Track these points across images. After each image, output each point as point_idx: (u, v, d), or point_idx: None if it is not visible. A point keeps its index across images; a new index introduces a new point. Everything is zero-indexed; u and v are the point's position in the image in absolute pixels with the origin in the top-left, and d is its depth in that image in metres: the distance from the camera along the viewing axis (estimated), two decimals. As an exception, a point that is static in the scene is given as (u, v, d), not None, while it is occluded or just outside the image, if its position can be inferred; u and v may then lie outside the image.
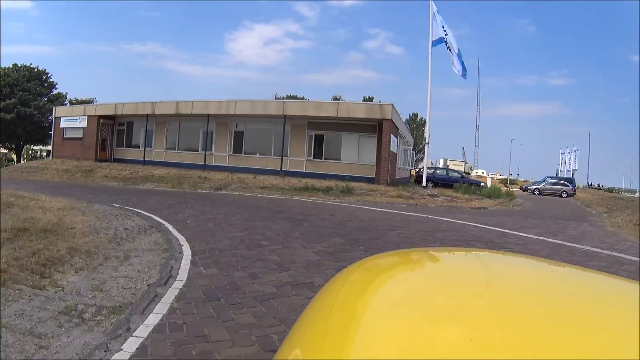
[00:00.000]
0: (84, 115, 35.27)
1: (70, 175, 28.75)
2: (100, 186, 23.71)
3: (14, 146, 55.23)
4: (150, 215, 12.28)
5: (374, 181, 25.92)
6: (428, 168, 38.01)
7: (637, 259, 9.89)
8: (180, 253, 7.72)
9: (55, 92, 55.25)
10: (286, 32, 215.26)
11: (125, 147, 35.55)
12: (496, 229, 13.38)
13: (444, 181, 35.55)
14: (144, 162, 31.86)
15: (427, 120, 30.28)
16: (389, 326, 0.92)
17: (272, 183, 23.81)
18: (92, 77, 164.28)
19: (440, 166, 71.60)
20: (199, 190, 22.05)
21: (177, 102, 31.04)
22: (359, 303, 1.13)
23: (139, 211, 12.96)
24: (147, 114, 32.00)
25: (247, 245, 8.50)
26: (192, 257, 7.42)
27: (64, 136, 36.86)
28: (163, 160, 32.36)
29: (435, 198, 23.09)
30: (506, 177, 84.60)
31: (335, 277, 1.35)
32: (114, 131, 35.89)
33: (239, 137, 30.71)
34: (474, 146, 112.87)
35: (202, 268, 6.72)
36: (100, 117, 34.56)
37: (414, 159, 51.08)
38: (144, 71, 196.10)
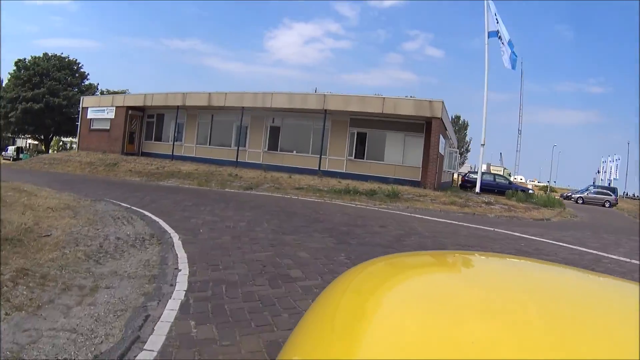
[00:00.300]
0: (112, 106, 33.84)
1: (92, 169, 27.53)
2: (120, 181, 22.21)
3: (42, 137, 54.27)
4: (158, 219, 10.48)
5: (419, 185, 23.75)
6: (473, 173, 35.60)
7: None
8: (171, 285, 5.45)
9: (86, 82, 54.37)
10: (327, 32, 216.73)
11: (155, 140, 34.01)
12: (581, 248, 11.28)
13: (491, 187, 33.08)
14: (172, 157, 30.15)
15: (484, 115, 27.36)
16: (393, 327, 0.94)
17: (308, 184, 21.67)
18: (130, 71, 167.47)
19: (483, 171, 68.52)
20: (226, 190, 20.17)
21: (210, 93, 29.24)
22: (363, 304, 1.14)
23: (146, 213, 11.26)
24: (178, 106, 30.40)
25: (270, 278, 6.01)
26: (185, 295, 5.10)
27: (91, 127, 35.67)
28: (193, 155, 30.68)
29: (492, 206, 20.74)
30: (545, 184, 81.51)
31: (339, 279, 1.36)
32: (143, 123, 34.40)
33: (274, 133, 28.72)
34: (514, 151, 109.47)
35: (193, 323, 4.32)
36: (128, 108, 33.09)
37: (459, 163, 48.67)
38: (184, 67, 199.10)
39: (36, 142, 60.69)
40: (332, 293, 1.24)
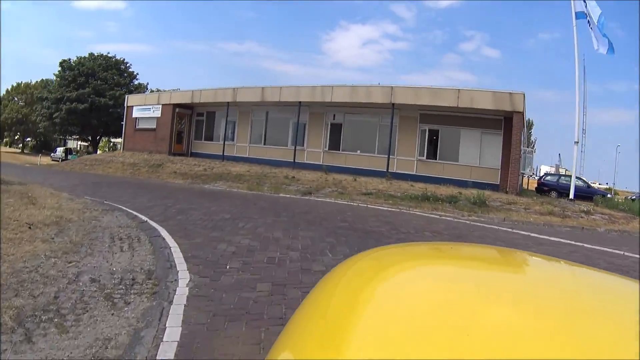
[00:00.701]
0: (158, 104, 32.05)
1: (135, 170, 25.84)
2: (160, 184, 20.14)
3: (89, 138, 53.19)
4: (172, 242, 7.57)
5: (498, 189, 20.85)
6: (550, 175, 32.40)
7: None
8: None
9: (136, 82, 53.30)
10: (384, 33, 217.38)
11: (205, 140, 32.00)
12: None
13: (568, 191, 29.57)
14: (223, 158, 28.02)
15: (577, 110, 23.13)
16: (385, 323, 0.92)
17: (377, 188, 18.89)
18: (185, 75, 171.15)
19: (553, 172, 64.80)
20: (281, 194, 17.49)
21: (263, 87, 26.92)
22: (355, 299, 1.12)
23: (162, 232, 8.48)
24: (228, 102, 28.18)
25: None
26: None
27: (136, 127, 34.03)
28: (246, 155, 28.47)
29: (592, 217, 17.54)
30: (609, 187, 76.72)
31: (330, 274, 1.36)
32: (191, 122, 32.48)
33: (336, 131, 26.06)
34: (578, 152, 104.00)
35: None
36: (175, 105, 31.21)
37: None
38: (240, 70, 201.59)
39: (86, 144, 59.91)
40: (324, 289, 1.24)
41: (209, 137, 31.77)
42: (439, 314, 0.93)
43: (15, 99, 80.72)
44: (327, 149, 25.91)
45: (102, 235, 7.81)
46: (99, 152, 50.93)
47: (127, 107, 35.00)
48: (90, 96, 45.41)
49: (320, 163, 25.08)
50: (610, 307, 1.05)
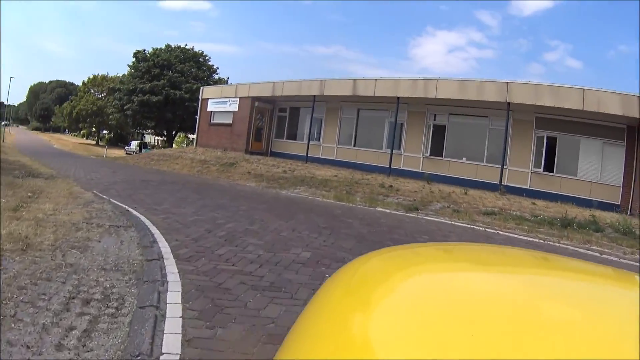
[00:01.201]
0: (235, 96, 30.14)
1: (203, 168, 23.95)
2: (226, 187, 17.82)
3: (165, 132, 52.41)
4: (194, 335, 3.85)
5: (618, 209, 17.47)
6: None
7: None
8: None
9: (216, 77, 51.79)
10: (470, 40, 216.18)
11: (287, 139, 29.79)
12: None
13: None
14: (307, 159, 25.62)
15: None
16: (392, 324, 0.94)
17: (495, 205, 15.69)
18: (271, 76, 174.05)
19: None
20: (378, 209, 14.16)
21: (355, 80, 24.35)
22: (361, 301, 1.13)
23: (174, 300, 4.61)
24: (314, 96, 25.69)
25: None
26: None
27: (211, 121, 32.35)
28: (333, 158, 26.01)
29: None
30: None
31: (335, 275, 1.38)
32: (273, 118, 30.37)
33: (438, 134, 23.08)
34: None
35: None
36: (254, 99, 29.15)
37: None
38: (327, 73, 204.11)
39: (163, 138, 59.24)
40: (330, 290, 1.26)
41: (292, 136, 29.59)
42: (445, 314, 0.95)
43: (92, 90, 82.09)
44: (427, 154, 22.98)
45: (54, 292, 4.55)
46: (174, 147, 49.71)
47: (202, 99, 33.43)
48: (164, 89, 44.26)
49: (420, 170, 22.29)
50: (613, 304, 1.07)
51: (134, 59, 48.60)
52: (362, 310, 1.06)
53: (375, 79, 23.62)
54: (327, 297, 1.20)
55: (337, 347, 0.87)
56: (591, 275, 1.37)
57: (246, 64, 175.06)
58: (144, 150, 53.13)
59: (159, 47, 49.06)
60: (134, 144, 59.32)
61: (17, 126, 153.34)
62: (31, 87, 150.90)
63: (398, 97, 22.39)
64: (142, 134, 74.32)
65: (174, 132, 52.84)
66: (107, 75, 78.90)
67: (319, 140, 27.10)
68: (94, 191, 12.52)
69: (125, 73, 50.95)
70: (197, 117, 34.07)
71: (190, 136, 62.91)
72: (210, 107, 32.17)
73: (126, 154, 56.20)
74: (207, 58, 51.48)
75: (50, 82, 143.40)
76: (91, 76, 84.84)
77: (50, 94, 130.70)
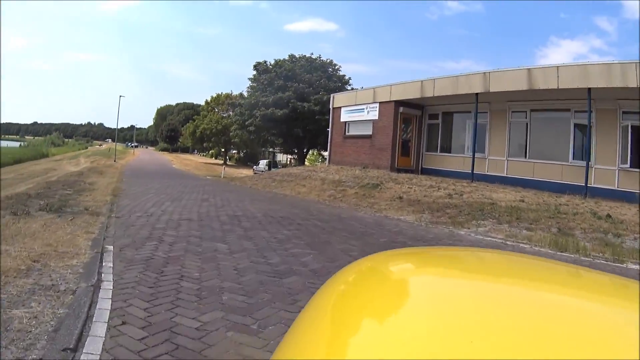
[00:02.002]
0: (374, 102, 25.91)
1: (337, 191, 19.99)
2: (374, 222, 13.47)
3: (295, 150, 48.94)
4: None
5: None
6: None
7: None
8: None
9: (349, 88, 45.82)
10: (591, 48, 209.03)
11: (440, 152, 25.12)
12: None
13: None
14: (472, 177, 20.75)
15: None
16: (390, 327, 0.97)
17: None
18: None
19: None
20: (629, 266, 8.98)
21: (529, 69, 19.06)
22: (359, 303, 1.18)
23: None
24: (477, 95, 20.76)
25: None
26: None
27: (346, 134, 28.45)
28: (503, 174, 21.05)
29: None
30: None
31: (334, 277, 1.42)
32: (422, 127, 25.75)
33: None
34: None
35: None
36: (398, 103, 24.68)
37: None
38: None
39: (294, 157, 56.51)
40: (328, 292, 1.30)
41: (446, 148, 25.03)
42: (442, 317, 0.98)
43: (215, 109, 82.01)
44: (627, 165, 17.34)
45: None
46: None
47: (333, 109, 29.81)
48: (290, 101, 40.92)
49: (615, 188, 17.08)
50: (613, 310, 1.10)
51: (254, 72, 46.12)
52: (359, 312, 1.10)
53: (557, 66, 18.19)
54: (325, 299, 1.25)
55: (335, 348, 0.92)
56: (594, 284, 1.37)
57: (376, 82, 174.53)
58: (273, 170, 50.67)
59: (281, 59, 46.27)
60: (263, 163, 57.85)
61: (147, 147, 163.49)
62: (158, 109, 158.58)
63: (589, 89, 16.99)
64: (273, 153, 72.52)
65: (304, 150, 49.25)
66: (230, 94, 78.00)
67: (483, 152, 22.18)
68: (108, 246, 8.27)
69: (247, 88, 48.37)
70: (329, 129, 30.50)
71: (324, 153, 59.25)
72: (344, 117, 28.42)
73: (254, 173, 54.32)
74: (336, 67, 47.45)
75: (178, 104, 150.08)
76: (214, 95, 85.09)
77: (178, 116, 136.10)
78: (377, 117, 25.37)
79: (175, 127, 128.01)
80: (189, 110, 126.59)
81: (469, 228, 12.48)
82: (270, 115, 40.70)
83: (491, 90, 19.98)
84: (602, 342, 0.84)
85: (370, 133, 25.88)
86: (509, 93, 19.92)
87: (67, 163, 43.21)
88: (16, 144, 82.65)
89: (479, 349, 0.79)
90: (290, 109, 40.46)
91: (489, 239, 11.30)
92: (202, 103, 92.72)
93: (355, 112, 27.20)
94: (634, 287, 1.22)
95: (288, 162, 63.29)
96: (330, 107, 30.26)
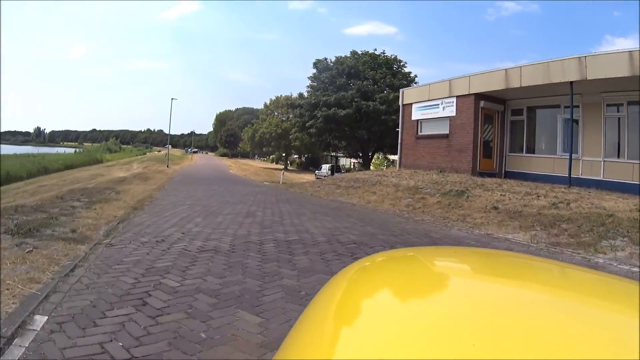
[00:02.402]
0: (451, 96, 23.55)
1: (416, 200, 17.69)
2: (476, 243, 11.24)
3: (359, 154, 46.71)
4: None
5: None
6: None
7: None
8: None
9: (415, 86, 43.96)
10: None
11: (526, 152, 22.44)
12: None
13: None
14: (569, 181, 17.92)
15: None
16: (392, 326, 1.00)
17: None
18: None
19: None
20: None
21: (630, 52, 16.19)
22: (361, 303, 1.24)
23: None
24: (572, 82, 17.95)
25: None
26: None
27: (418, 133, 26.06)
28: (599, 177, 18.37)
29: None
30: None
31: (337, 276, 1.50)
32: (504, 125, 23.22)
33: None
34: None
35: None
36: (479, 97, 22.24)
37: None
38: None
39: (359, 161, 54.40)
40: (330, 291, 1.35)
41: (531, 148, 22.39)
42: (442, 318, 1.01)
43: (275, 113, 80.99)
44: None
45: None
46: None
47: (403, 105, 27.36)
48: (354, 100, 38.85)
49: None
50: (613, 310, 1.13)
51: (314, 70, 44.47)
52: (361, 312, 1.15)
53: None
54: (327, 299, 1.29)
55: (336, 348, 0.94)
56: (594, 285, 1.39)
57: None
58: (336, 174, 48.81)
59: (343, 55, 44.31)
60: (326, 168, 56.42)
61: (206, 153, 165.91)
62: (217, 115, 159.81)
63: None
64: (336, 157, 70.59)
65: (370, 153, 46.85)
66: (290, 96, 76.70)
67: (577, 152, 19.37)
68: (38, 317, 4.86)
69: (306, 87, 46.37)
70: (399, 129, 28.14)
71: (391, 157, 56.25)
72: (416, 114, 26.09)
73: (316, 178, 52.62)
74: (402, 64, 45.18)
75: (237, 109, 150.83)
76: (273, 97, 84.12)
77: (237, 121, 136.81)
78: (454, 114, 23.03)
79: (235, 132, 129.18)
80: (248, 115, 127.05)
81: (604, 253, 9.87)
82: (333, 115, 38.71)
83: (588, 77, 17.37)
84: (602, 343, 0.87)
85: (447, 132, 23.53)
86: (604, 83, 17.28)
87: (118, 169, 42.88)
88: (71, 150, 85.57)
89: (481, 349, 0.82)
90: (354, 109, 38.45)
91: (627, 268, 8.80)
92: (262, 107, 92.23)
93: (429, 108, 24.89)
94: (634, 288, 1.24)
95: (352, 167, 61.36)
96: (400, 103, 27.86)
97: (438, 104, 24.12)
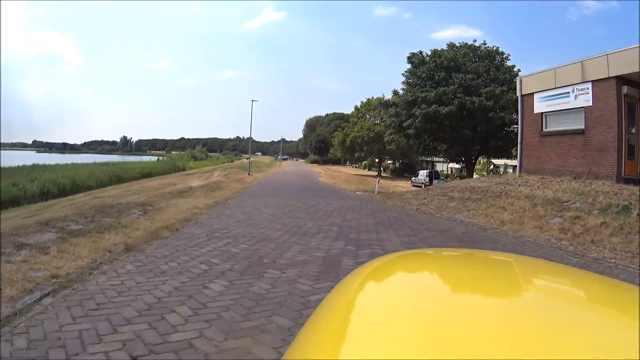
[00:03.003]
0: (584, 81, 19.11)
1: (570, 221, 13.68)
2: None
3: (462, 158, 41.41)
4: None
5: None
6: None
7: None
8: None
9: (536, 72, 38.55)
10: None
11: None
12: None
13: None
14: None
15: None
16: (404, 326, 1.01)
17: None
18: None
19: None
20: None
21: None
22: (373, 302, 1.25)
23: None
24: None
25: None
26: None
27: (543, 130, 21.71)
28: None
29: None
30: None
31: (349, 276, 1.50)
32: (646, 116, 18.59)
33: None
34: None
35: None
36: (621, 81, 17.79)
37: None
38: None
39: (459, 166, 50.04)
40: (340, 291, 1.36)
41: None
42: (450, 318, 1.04)
43: (367, 116, 77.92)
44: None
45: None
46: (475, 177, 38.94)
47: (523, 96, 23.11)
48: (456, 96, 34.60)
49: None
50: (613, 313, 1.15)
51: (409, 65, 39.96)
52: (370, 312, 1.15)
53: None
54: (337, 299, 1.30)
55: (345, 347, 0.95)
56: (590, 285, 1.41)
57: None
58: (436, 182, 44.70)
59: (439, 49, 39.82)
60: (423, 174, 52.26)
61: (296, 160, 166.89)
62: (307, 120, 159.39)
63: None
64: (432, 161, 66.35)
65: (473, 157, 41.58)
66: (382, 98, 73.03)
67: None
68: None
69: (401, 84, 42.08)
70: (518, 125, 24.05)
71: (497, 161, 50.76)
72: (539, 106, 21.80)
73: (413, 185, 48.88)
74: (505, 56, 39.80)
75: (327, 114, 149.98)
76: (364, 100, 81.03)
77: (328, 126, 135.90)
78: (590, 103, 18.70)
79: (325, 138, 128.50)
80: (338, 120, 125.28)
81: None
82: (434, 113, 34.36)
83: None
84: (603, 345, 0.89)
85: (583, 127, 19.12)
86: None
87: (196, 177, 41.04)
88: (155, 159, 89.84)
89: (489, 350, 0.84)
90: (456, 106, 34.20)
91: None
92: (351, 112, 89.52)
93: (556, 98, 20.54)
94: (634, 291, 1.27)
95: (450, 173, 56.50)
96: (518, 94, 23.56)
97: (568, 92, 19.73)
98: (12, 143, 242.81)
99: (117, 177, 44.98)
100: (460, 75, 35.37)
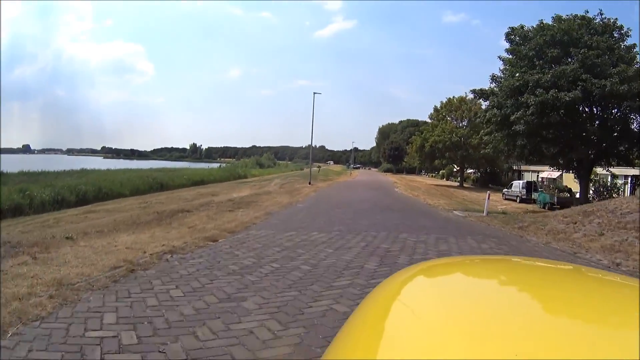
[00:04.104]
0: None
1: None
2: None
3: (574, 164, 30.56)
4: None
5: None
6: None
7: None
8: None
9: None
10: None
11: None
12: None
13: None
14: None
15: None
16: (436, 334, 1.03)
17: None
18: None
19: None
20: None
21: None
22: (407, 309, 1.27)
23: None
24: None
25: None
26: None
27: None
28: None
29: None
30: None
31: (384, 283, 1.53)
32: None
33: None
34: None
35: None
36: None
37: None
38: None
39: (554, 175, 40.55)
40: (378, 296, 1.41)
41: None
42: (480, 324, 1.06)
43: (448, 118, 68.65)
44: None
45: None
46: (591, 192, 28.78)
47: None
48: (580, 78, 25.28)
49: None
50: (615, 310, 1.17)
51: (507, 44, 30.74)
52: (407, 319, 1.18)
53: None
54: (375, 303, 1.34)
55: (382, 352, 0.99)
56: (594, 284, 1.48)
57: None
58: (535, 195, 35.45)
59: (545, 22, 29.91)
60: (518, 185, 42.22)
61: (369, 168, 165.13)
62: (380, 128, 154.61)
63: None
64: (520, 170, 54.99)
65: (590, 160, 29.99)
66: (465, 97, 64.01)
67: None
68: None
69: (500, 66, 32.49)
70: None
71: (618, 171, 35.87)
72: None
73: (505, 199, 39.99)
74: (625, 32, 29.29)
75: (401, 121, 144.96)
76: (444, 100, 71.75)
77: (402, 134, 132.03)
78: None
79: (399, 145, 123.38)
80: (412, 127, 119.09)
81: None
82: (552, 101, 24.97)
83: None
84: (605, 343, 0.92)
85: None
86: None
87: (249, 186, 38.59)
88: (217, 165, 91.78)
89: (505, 349, 0.88)
90: (580, 90, 24.91)
91: None
92: (430, 113, 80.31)
93: None
94: (634, 287, 1.30)
95: (541, 182, 44.66)
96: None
97: None
98: (80, 149, 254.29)
99: (159, 184, 42.38)
100: (583, 50, 26.25)
